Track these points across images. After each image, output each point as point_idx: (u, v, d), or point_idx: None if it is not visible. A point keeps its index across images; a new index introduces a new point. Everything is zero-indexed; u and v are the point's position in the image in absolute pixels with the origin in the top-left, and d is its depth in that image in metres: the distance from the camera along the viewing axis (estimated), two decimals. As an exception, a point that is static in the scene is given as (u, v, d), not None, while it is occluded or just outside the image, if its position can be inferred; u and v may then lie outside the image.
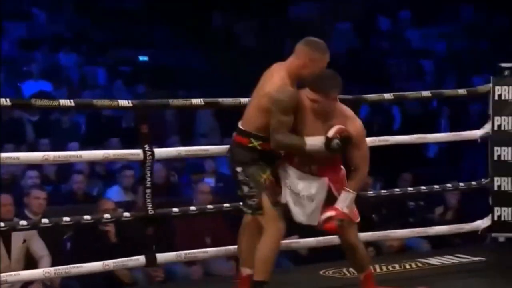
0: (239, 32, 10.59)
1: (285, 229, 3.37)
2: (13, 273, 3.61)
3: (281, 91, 3.27)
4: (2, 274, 3.52)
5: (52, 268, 3.66)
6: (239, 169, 3.38)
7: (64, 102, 3.62)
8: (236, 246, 3.69)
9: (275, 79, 3.32)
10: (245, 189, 3.37)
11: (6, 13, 9.63)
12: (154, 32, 10.43)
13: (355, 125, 3.37)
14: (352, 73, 9.70)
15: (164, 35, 10.64)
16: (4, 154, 3.63)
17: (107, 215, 3.85)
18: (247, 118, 3.39)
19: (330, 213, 3.33)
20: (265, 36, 10.49)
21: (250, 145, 3.36)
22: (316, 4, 11.06)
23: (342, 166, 3.47)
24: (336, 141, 3.27)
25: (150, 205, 3.65)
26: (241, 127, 3.38)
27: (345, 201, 3.34)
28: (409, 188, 4.78)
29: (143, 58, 10.06)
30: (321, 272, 4.11)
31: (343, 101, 4.26)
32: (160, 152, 3.76)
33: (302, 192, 3.36)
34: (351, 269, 3.87)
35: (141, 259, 3.72)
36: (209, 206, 4.06)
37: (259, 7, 10.61)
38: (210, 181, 6.32)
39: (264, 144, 3.35)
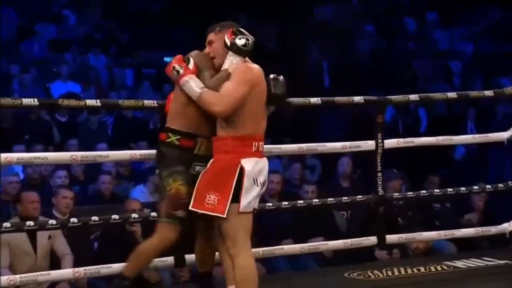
0: (261, 35, 10.61)
1: (174, 242, 3.27)
2: (43, 272, 3.66)
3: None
4: (33, 274, 3.58)
5: (82, 268, 3.70)
6: (157, 171, 3.34)
7: (90, 102, 3.68)
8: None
9: None
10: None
11: (37, 15, 9.78)
12: (179, 34, 10.49)
13: None
14: (377, 75, 9.70)
15: (188, 37, 10.70)
16: (33, 154, 3.70)
17: (134, 215, 3.89)
18: (168, 115, 3.35)
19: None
20: (287, 39, 10.50)
21: (168, 140, 3.24)
22: (341, 6, 11.04)
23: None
24: None
25: None
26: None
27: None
28: (436, 190, 4.77)
29: (169, 59, 10.11)
30: (345, 274, 4.11)
31: (368, 102, 4.32)
32: None
33: (263, 178, 3.23)
34: (376, 271, 3.88)
35: (169, 260, 3.75)
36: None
37: (282, 10, 10.62)
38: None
39: (183, 140, 3.24)
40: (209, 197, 3.11)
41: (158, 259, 3.68)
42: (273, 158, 7.13)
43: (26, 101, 3.46)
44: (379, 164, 4.19)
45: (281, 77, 3.33)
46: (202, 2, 10.33)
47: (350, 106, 7.20)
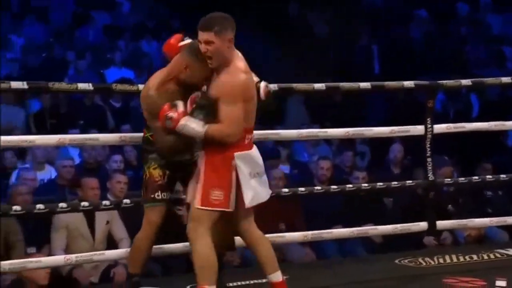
0: (313, 20, 10.57)
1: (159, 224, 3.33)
2: (97, 252, 3.76)
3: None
4: (87, 254, 3.68)
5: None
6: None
7: (142, 87, 3.74)
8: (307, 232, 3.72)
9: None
10: None
11: (93, 2, 9.95)
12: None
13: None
14: (428, 61, 9.57)
15: (239, 23, 10.72)
16: (84, 136, 3.79)
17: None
18: None
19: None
20: (339, 24, 10.43)
21: (145, 136, 3.39)
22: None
23: None
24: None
25: None
26: None
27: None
28: (488, 176, 4.72)
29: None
30: (396, 261, 4.10)
31: (419, 87, 4.30)
32: None
33: (260, 168, 3.26)
34: (427, 258, 3.86)
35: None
36: (284, 190, 4.09)
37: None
38: (285, 168, 6.36)
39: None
40: (214, 193, 3.14)
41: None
42: (322, 144, 7.14)
43: (81, 86, 3.54)
44: (428, 149, 4.18)
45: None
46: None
47: (400, 91, 7.17)
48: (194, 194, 3.18)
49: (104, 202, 3.78)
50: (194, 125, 3.08)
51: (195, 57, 3.13)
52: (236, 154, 3.13)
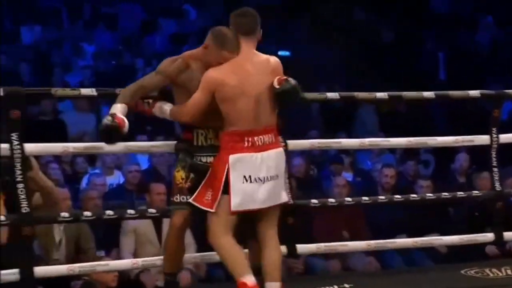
0: (379, 26, 10.53)
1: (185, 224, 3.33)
2: (162, 257, 3.84)
3: None
4: (152, 258, 3.78)
5: (198, 254, 3.84)
6: None
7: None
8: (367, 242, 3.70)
9: None
10: None
11: (160, 10, 10.18)
12: (295, 27, 10.57)
13: None
14: (495, 67, 9.40)
15: (304, 29, 10.76)
16: (150, 143, 3.91)
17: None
18: None
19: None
20: (404, 30, 10.36)
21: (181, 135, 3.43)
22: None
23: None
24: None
25: (290, 195, 3.68)
26: None
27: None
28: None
29: (284, 53, 10.23)
30: (462, 272, 4.03)
31: (485, 96, 4.24)
32: (294, 144, 3.82)
33: (266, 173, 3.20)
34: (494, 269, 3.80)
35: (282, 248, 3.73)
36: (348, 199, 4.09)
37: (399, 2, 10.48)
38: (348, 176, 6.37)
39: (184, 133, 3.35)
40: (207, 193, 3.20)
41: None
42: (386, 152, 7.11)
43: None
44: (494, 159, 4.13)
45: (291, 79, 3.28)
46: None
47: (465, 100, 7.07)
48: None
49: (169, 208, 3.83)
50: (165, 106, 3.30)
51: (214, 40, 3.23)
52: (230, 156, 3.16)
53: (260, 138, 3.19)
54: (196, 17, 10.47)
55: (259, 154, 3.18)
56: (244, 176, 3.15)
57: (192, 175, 3.28)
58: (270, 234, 3.27)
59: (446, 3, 10.73)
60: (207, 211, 3.21)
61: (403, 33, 10.21)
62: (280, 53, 10.28)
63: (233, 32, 3.25)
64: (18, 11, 9.72)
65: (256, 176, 3.16)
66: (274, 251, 3.26)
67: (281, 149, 3.30)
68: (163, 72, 3.30)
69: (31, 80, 8.37)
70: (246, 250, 3.37)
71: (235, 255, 3.17)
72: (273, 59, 3.30)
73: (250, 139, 3.17)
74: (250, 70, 3.21)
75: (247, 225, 3.30)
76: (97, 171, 5.80)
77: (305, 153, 6.40)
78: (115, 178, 6.16)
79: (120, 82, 6.99)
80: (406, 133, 4.47)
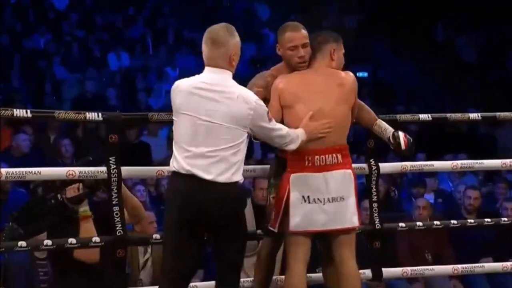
0: (461, 45, 10.40)
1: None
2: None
3: None
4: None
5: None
6: None
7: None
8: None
9: None
10: None
11: (241, 34, 10.36)
12: (373, 47, 10.57)
13: None
14: None
15: (383, 49, 10.75)
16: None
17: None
18: None
19: None
20: (487, 50, 10.19)
21: (276, 151, 3.30)
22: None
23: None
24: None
25: (377, 219, 3.69)
26: None
27: None
28: None
29: (362, 74, 10.23)
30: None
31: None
32: (385, 166, 3.79)
33: (328, 195, 3.11)
34: None
35: (367, 272, 3.77)
36: (436, 222, 4.04)
37: (483, 20, 10.33)
38: (429, 197, 6.29)
39: (281, 151, 3.21)
40: (272, 213, 3.19)
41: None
42: (468, 174, 6.99)
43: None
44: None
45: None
46: (398, 16, 10.34)
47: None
48: None
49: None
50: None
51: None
52: (291, 175, 3.12)
53: (322, 158, 3.12)
54: (274, 40, 10.62)
55: (320, 174, 3.11)
56: (303, 196, 3.10)
57: None
58: (344, 258, 3.19)
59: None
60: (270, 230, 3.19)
61: (486, 51, 10.05)
62: (359, 74, 10.31)
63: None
64: (106, 39, 10.11)
65: (315, 197, 3.10)
66: (350, 275, 3.18)
67: (349, 171, 3.17)
68: (252, 86, 3.23)
69: (117, 104, 8.67)
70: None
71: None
72: (345, 73, 3.23)
73: (310, 158, 3.11)
74: (316, 80, 3.18)
75: (324, 249, 3.29)
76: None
77: (384, 174, 6.36)
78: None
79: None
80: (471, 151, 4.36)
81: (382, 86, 10.02)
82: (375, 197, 3.70)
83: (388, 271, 3.83)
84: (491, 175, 6.66)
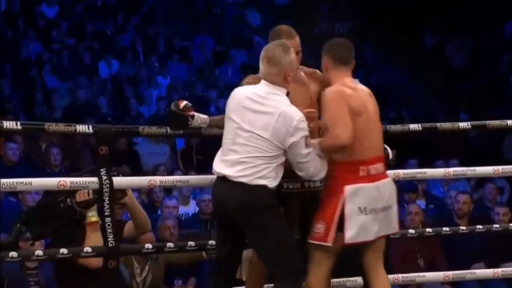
0: (449, 51, 10.45)
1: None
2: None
3: None
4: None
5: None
6: None
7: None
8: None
9: None
10: None
11: (231, 42, 10.37)
12: (365, 53, 10.59)
13: None
14: None
15: (374, 55, 10.78)
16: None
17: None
18: None
19: None
20: (477, 55, 10.23)
21: None
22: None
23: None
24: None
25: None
26: None
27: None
28: None
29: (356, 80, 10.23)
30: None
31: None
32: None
33: (383, 203, 3.09)
34: None
35: (358, 280, 3.75)
36: (428, 230, 4.04)
37: (471, 25, 10.38)
38: (420, 203, 6.31)
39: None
40: (317, 226, 3.08)
41: (347, 278, 3.72)
42: (462, 180, 7.02)
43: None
44: None
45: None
46: (388, 22, 10.38)
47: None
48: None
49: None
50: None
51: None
52: (346, 187, 3.04)
53: (375, 167, 3.09)
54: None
55: (373, 184, 3.07)
56: (359, 208, 3.04)
57: (281, 209, 3.17)
58: (377, 265, 3.20)
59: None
60: (318, 244, 3.09)
61: (475, 59, 10.09)
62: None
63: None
64: (96, 47, 10.10)
65: (372, 207, 3.06)
66: (385, 281, 3.21)
67: (391, 179, 3.19)
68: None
69: (108, 112, 8.66)
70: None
71: None
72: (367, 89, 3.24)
73: (365, 168, 3.07)
74: (364, 92, 3.17)
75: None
76: (173, 200, 5.91)
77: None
78: (191, 207, 6.27)
79: (193, 114, 7.20)
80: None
81: (373, 92, 10.01)
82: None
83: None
84: (484, 180, 6.68)
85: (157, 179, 3.38)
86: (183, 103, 3.27)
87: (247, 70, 9.83)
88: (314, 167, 3.06)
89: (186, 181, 3.62)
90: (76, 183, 3.22)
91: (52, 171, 6.50)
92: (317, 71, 3.38)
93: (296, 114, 3.03)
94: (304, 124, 3.03)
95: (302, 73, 3.32)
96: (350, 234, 3.05)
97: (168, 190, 6.47)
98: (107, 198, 3.21)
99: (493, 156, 7.34)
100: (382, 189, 3.09)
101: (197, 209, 6.09)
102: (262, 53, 3.11)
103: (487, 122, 3.92)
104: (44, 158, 6.80)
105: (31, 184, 3.18)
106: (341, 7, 11.34)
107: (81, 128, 3.23)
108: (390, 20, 10.38)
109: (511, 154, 8.04)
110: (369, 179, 3.07)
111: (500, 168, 3.98)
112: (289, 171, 3.11)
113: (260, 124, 3.02)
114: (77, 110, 8.42)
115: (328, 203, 3.08)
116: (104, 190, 3.20)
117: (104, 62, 9.77)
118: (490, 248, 5.20)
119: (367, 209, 3.05)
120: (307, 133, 3.04)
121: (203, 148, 7.50)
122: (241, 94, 3.10)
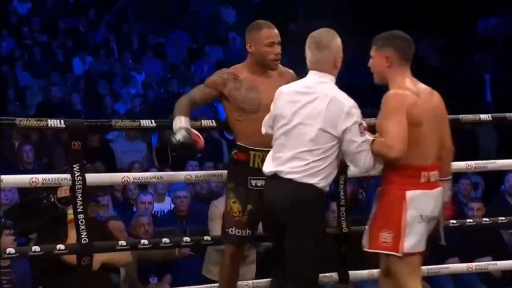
0: (424, 50, 10.51)
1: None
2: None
3: None
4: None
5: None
6: None
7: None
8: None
9: None
10: None
11: (206, 38, 10.33)
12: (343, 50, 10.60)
13: None
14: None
15: (351, 53, 10.79)
16: (210, 172, 3.94)
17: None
18: None
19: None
20: (451, 54, 10.30)
21: (231, 153, 3.28)
22: (507, 18, 10.68)
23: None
24: None
25: (345, 223, 3.69)
26: None
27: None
28: None
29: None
30: (517, 296, 4.00)
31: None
32: (355, 171, 3.57)
33: (434, 212, 2.97)
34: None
35: (333, 275, 3.78)
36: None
37: (445, 24, 10.45)
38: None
39: (237, 153, 3.22)
40: (383, 235, 2.93)
41: (322, 274, 3.66)
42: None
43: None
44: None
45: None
46: (367, 16, 10.40)
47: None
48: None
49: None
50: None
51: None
52: (407, 192, 2.90)
53: (434, 174, 2.97)
54: (240, 44, 10.64)
55: (432, 192, 2.95)
56: (421, 216, 2.91)
57: (250, 207, 3.19)
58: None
59: (495, 24, 10.65)
60: (390, 255, 2.94)
61: (450, 55, 10.16)
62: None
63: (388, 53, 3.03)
64: (70, 43, 10.01)
65: (431, 215, 2.95)
66: None
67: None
68: (210, 83, 3.25)
69: (82, 109, 8.58)
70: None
71: None
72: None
73: (426, 174, 2.93)
74: (428, 95, 3.02)
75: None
76: (148, 196, 5.87)
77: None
78: (166, 204, 6.24)
79: (168, 110, 7.15)
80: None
81: (351, 89, 10.03)
82: (343, 201, 3.71)
83: (355, 274, 3.83)
84: (459, 176, 6.72)
85: (130, 176, 3.35)
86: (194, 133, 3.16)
87: (223, 67, 9.83)
88: (370, 158, 2.91)
89: (160, 177, 3.59)
90: (48, 179, 3.18)
91: (25, 168, 6.43)
92: (292, 72, 3.33)
93: (348, 100, 2.93)
94: (356, 111, 2.92)
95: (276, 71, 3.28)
96: (410, 243, 2.91)
97: (143, 187, 6.43)
98: (79, 195, 3.16)
99: (468, 152, 7.38)
100: (438, 197, 2.98)
101: (172, 206, 6.07)
102: (308, 40, 2.98)
103: (460, 116, 3.92)
104: (17, 155, 6.72)
105: (1, 181, 3.12)
106: (318, 5, 11.34)
107: (53, 122, 3.19)
108: (366, 18, 10.41)
109: (485, 149, 8.09)
110: (428, 186, 2.95)
111: (473, 163, 3.99)
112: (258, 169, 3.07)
113: (312, 113, 2.91)
114: (50, 107, 8.33)
115: (391, 209, 2.92)
116: (76, 186, 3.16)
117: (79, 58, 9.68)
118: (464, 244, 5.23)
119: (427, 217, 2.94)
120: (360, 120, 2.92)
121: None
122: (289, 89, 3.01)
